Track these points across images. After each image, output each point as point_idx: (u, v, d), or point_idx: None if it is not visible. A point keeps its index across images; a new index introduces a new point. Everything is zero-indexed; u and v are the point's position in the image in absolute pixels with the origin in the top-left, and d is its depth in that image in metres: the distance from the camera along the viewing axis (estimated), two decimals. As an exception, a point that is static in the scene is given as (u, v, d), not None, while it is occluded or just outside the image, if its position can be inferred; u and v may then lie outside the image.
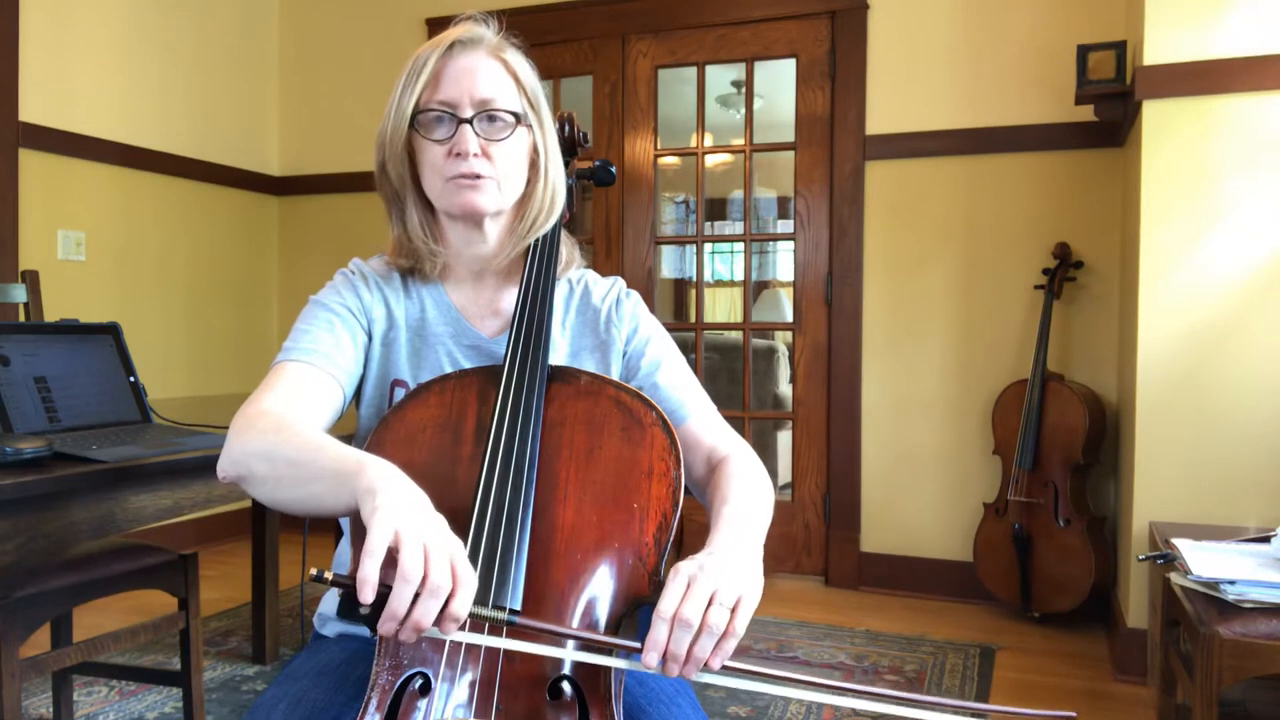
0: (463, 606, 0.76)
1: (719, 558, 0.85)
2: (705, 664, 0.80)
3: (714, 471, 1.06)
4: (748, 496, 0.99)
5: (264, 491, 0.94)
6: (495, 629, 0.82)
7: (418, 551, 0.75)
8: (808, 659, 2.60)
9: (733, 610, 0.81)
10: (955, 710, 0.78)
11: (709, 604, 0.80)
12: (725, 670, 0.81)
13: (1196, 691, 1.58)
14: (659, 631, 0.79)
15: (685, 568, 0.82)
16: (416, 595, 0.74)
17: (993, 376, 3.13)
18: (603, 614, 0.87)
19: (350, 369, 1.09)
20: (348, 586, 0.74)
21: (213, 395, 3.41)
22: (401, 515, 0.77)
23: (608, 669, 0.84)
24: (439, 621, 0.76)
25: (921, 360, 3.24)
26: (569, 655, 0.83)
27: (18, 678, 1.56)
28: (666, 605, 0.80)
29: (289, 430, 0.93)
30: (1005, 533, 2.91)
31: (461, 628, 0.78)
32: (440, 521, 0.80)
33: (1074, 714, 0.78)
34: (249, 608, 2.74)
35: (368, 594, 0.73)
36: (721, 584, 0.81)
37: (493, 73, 1.07)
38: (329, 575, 0.76)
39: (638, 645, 0.80)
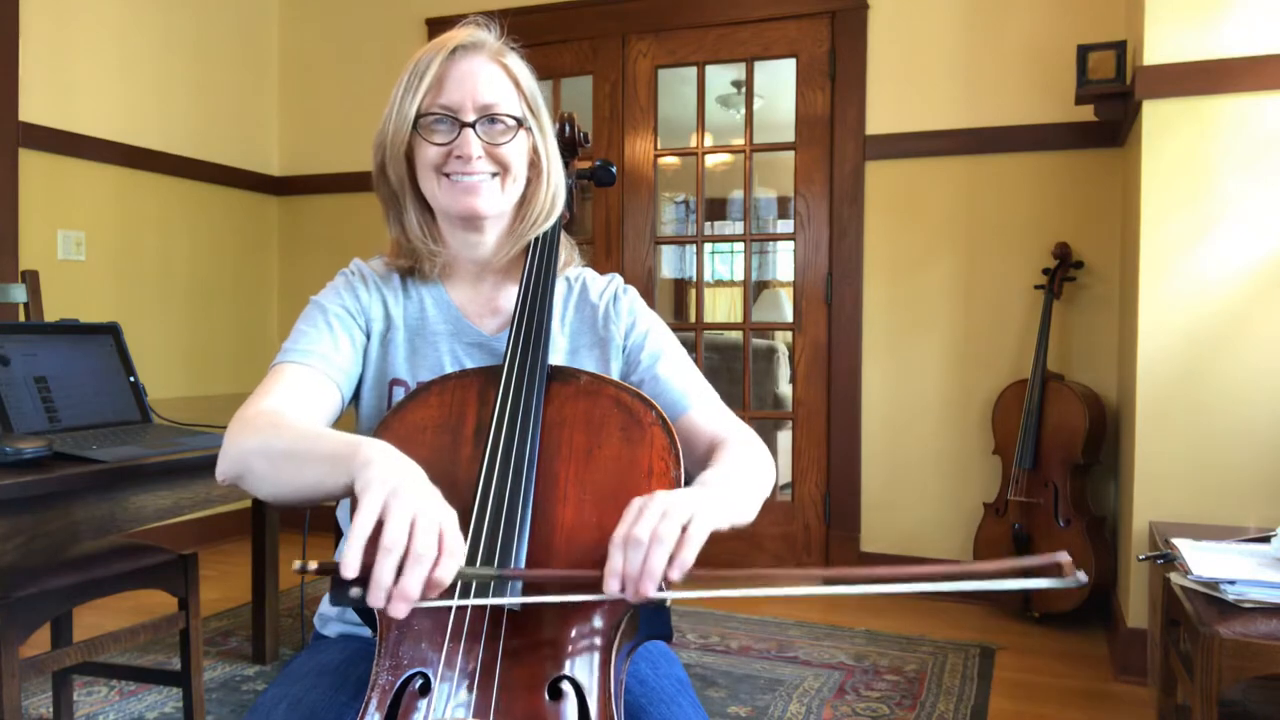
0: (447, 573, 0.76)
1: (674, 492, 0.85)
2: (666, 578, 0.79)
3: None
4: (730, 465, 1.00)
5: (264, 487, 0.95)
6: (496, 603, 0.83)
7: (404, 521, 0.75)
8: (808, 659, 2.60)
9: (685, 527, 0.81)
10: (945, 578, 0.77)
11: (660, 522, 0.80)
12: (691, 582, 0.80)
13: (1196, 691, 1.58)
14: (614, 558, 0.80)
15: (636, 500, 0.83)
16: (403, 566, 0.74)
17: (993, 376, 3.13)
18: (601, 613, 0.87)
19: (348, 370, 1.10)
20: (329, 572, 0.75)
21: (213, 395, 3.41)
22: (390, 486, 0.78)
23: (607, 671, 0.84)
24: (425, 589, 0.76)
25: (921, 360, 3.24)
26: (556, 599, 0.84)
27: (18, 678, 1.56)
28: (618, 532, 0.80)
29: (284, 424, 0.95)
30: (1005, 533, 2.91)
31: (453, 595, 0.79)
32: (432, 492, 0.80)
33: (1066, 555, 0.75)
34: (249, 608, 2.74)
35: (347, 570, 0.73)
36: (671, 506, 0.81)
37: (494, 77, 1.08)
38: (313, 564, 0.77)
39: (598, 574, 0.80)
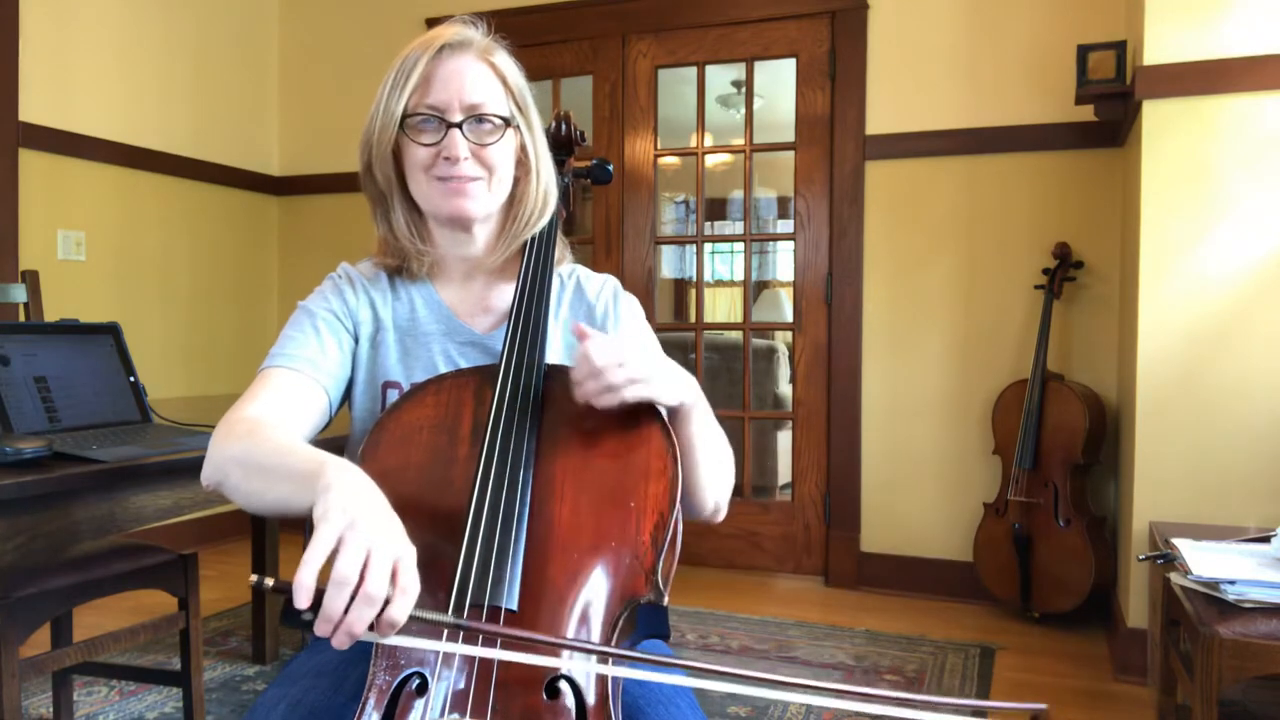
0: (400, 613, 0.74)
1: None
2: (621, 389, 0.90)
3: None
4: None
5: (239, 497, 0.94)
6: (488, 639, 0.81)
7: (357, 555, 0.73)
8: (808, 659, 2.59)
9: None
10: (917, 706, 0.72)
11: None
12: (718, 675, 0.77)
13: (1196, 691, 1.58)
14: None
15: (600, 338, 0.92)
16: (354, 599, 0.73)
17: (993, 376, 3.12)
18: (599, 613, 0.87)
19: (336, 373, 1.09)
20: (284, 592, 0.73)
21: (213, 395, 3.40)
22: (349, 517, 0.75)
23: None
24: (376, 627, 0.74)
25: (921, 360, 3.24)
26: (562, 663, 0.82)
27: (18, 678, 1.56)
28: (592, 345, 0.91)
29: (262, 434, 0.94)
30: (1005, 533, 2.91)
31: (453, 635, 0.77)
32: (392, 525, 0.78)
33: (1044, 706, 0.71)
34: (249, 608, 2.74)
35: (301, 599, 0.71)
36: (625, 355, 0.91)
37: (481, 76, 1.07)
38: (269, 581, 0.75)
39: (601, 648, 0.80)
